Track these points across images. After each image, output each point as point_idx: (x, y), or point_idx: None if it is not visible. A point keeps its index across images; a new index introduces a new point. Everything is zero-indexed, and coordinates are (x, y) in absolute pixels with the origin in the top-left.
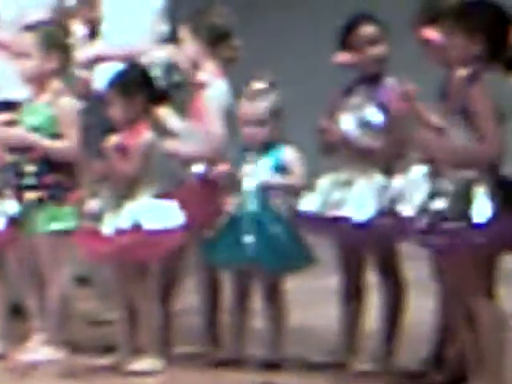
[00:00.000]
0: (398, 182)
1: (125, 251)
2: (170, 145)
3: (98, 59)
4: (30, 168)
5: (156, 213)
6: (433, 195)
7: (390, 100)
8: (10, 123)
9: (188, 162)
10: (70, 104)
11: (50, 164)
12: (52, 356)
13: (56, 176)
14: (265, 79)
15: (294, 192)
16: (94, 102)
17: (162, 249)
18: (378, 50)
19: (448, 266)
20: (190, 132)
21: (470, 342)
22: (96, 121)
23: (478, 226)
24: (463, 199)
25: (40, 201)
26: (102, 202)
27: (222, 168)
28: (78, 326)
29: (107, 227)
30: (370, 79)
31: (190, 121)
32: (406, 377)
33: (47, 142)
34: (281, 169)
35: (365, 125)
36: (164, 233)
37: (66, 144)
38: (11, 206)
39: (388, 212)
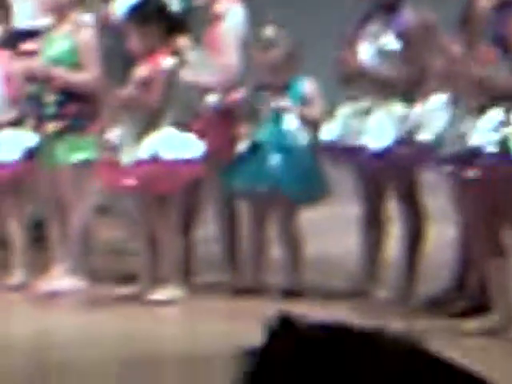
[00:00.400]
0: (417, 110)
1: (144, 182)
2: (187, 74)
3: None
4: (51, 98)
5: (175, 143)
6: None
7: (408, 28)
8: (33, 53)
9: (204, 91)
10: (89, 35)
11: (71, 94)
12: (73, 285)
13: (77, 106)
14: (274, 24)
15: (314, 123)
16: (114, 33)
17: (181, 179)
18: None
19: (479, 196)
20: (207, 62)
21: (494, 270)
22: (116, 50)
23: None
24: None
25: (61, 131)
26: (122, 133)
27: (236, 96)
28: (99, 255)
29: (127, 158)
30: (388, 7)
31: (207, 51)
32: (427, 304)
33: (68, 75)
34: (301, 100)
35: (383, 53)
36: (183, 163)
37: (87, 76)
38: (29, 138)
39: (407, 140)
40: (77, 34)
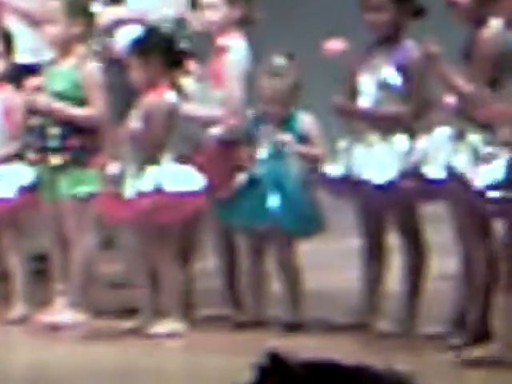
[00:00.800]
0: (421, 143)
1: (147, 214)
2: (189, 108)
3: (119, 23)
4: (55, 130)
5: (177, 176)
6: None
7: (409, 61)
8: (38, 88)
9: (206, 124)
10: (94, 69)
11: (74, 127)
12: (75, 319)
13: (80, 139)
14: (283, 52)
15: (316, 160)
16: (116, 66)
17: (183, 211)
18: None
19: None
20: (209, 95)
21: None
22: (118, 84)
23: None
24: None
25: (64, 164)
26: (124, 166)
27: (234, 122)
28: (100, 289)
29: (129, 191)
30: (389, 39)
31: (209, 83)
32: (427, 338)
33: (72, 110)
34: (300, 136)
35: (383, 86)
36: (186, 195)
37: (92, 111)
38: (26, 174)
39: (412, 174)
40: (81, 67)
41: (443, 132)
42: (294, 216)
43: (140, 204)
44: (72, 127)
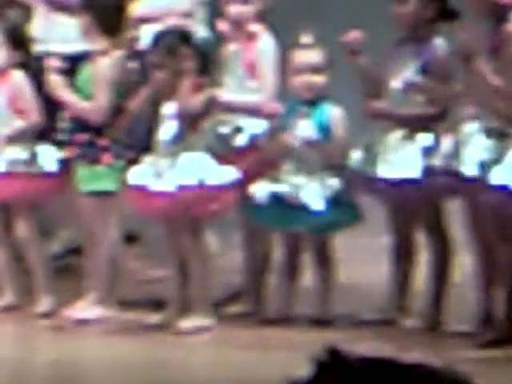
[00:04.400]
0: (448, 139)
1: (186, 207)
2: (226, 97)
3: (142, 20)
4: (64, 124)
5: (214, 168)
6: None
7: (436, 60)
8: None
9: (248, 112)
10: (106, 65)
11: (83, 122)
12: (102, 314)
13: (88, 135)
14: (309, 34)
15: (335, 154)
16: (139, 59)
17: (221, 205)
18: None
19: None
20: (243, 85)
21: None
22: (140, 75)
23: None
24: None
25: (73, 159)
26: (156, 159)
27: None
28: (126, 284)
29: (167, 183)
30: (417, 38)
31: (242, 73)
32: (453, 336)
33: (75, 102)
34: (324, 128)
35: (410, 84)
36: (223, 188)
37: (92, 105)
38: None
39: (439, 171)
40: (95, 62)
41: (472, 128)
42: (332, 209)
43: (181, 197)
44: (81, 123)
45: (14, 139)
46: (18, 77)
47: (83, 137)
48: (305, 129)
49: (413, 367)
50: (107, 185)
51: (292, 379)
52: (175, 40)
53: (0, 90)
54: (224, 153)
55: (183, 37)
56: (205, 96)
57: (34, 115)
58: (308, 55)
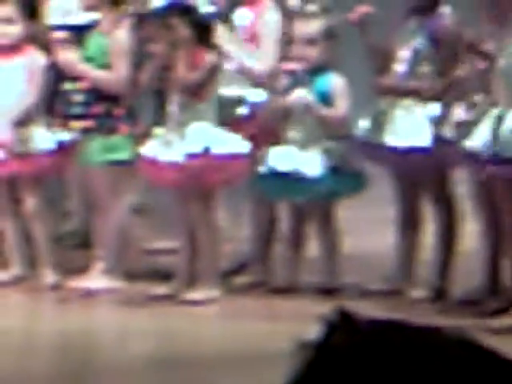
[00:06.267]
0: (457, 110)
1: (195, 176)
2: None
3: None
4: (78, 97)
5: (223, 138)
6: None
7: (442, 31)
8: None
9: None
10: (123, 36)
11: (99, 93)
12: (109, 285)
13: (105, 106)
14: (318, 2)
15: (336, 123)
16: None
17: (230, 174)
18: None
19: None
20: (245, 52)
21: None
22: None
23: None
24: None
25: (86, 131)
26: (167, 129)
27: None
28: (134, 255)
29: (176, 153)
30: (423, 9)
31: (245, 42)
32: (460, 304)
33: (94, 72)
34: (325, 96)
35: (417, 56)
36: (233, 158)
37: (113, 75)
38: (49, 138)
39: (445, 140)
40: (111, 33)
41: (481, 101)
42: (334, 177)
43: (189, 166)
44: (96, 94)
45: (23, 120)
46: (37, 56)
47: (100, 108)
48: (304, 95)
49: (423, 329)
50: (123, 154)
51: (301, 341)
52: (167, 12)
53: (17, 65)
54: (226, 121)
55: (179, 9)
56: (206, 65)
57: (38, 93)
58: (304, 26)
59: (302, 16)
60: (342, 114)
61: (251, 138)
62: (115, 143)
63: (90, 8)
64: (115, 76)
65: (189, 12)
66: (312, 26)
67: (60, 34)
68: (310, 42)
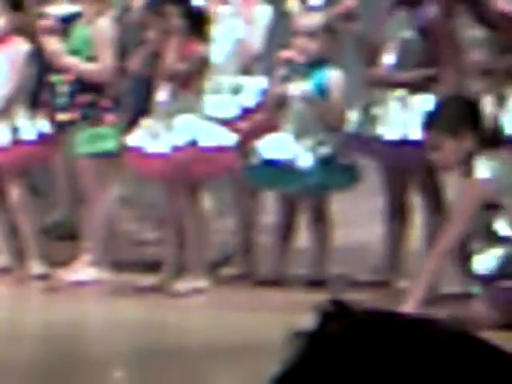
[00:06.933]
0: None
1: (181, 168)
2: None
3: None
4: (64, 88)
5: (210, 131)
6: None
7: (429, 22)
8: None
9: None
10: (105, 25)
11: (85, 84)
12: (97, 276)
13: (90, 96)
14: None
15: (332, 115)
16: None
17: (217, 166)
18: None
19: None
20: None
21: None
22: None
23: None
24: None
25: (73, 122)
26: (154, 121)
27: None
28: (121, 245)
29: (163, 145)
30: (411, 1)
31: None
32: (447, 297)
33: (79, 65)
34: (323, 90)
35: (405, 48)
36: (220, 150)
37: (99, 66)
38: (43, 125)
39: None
40: (94, 24)
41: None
42: (326, 170)
43: (175, 158)
44: (81, 85)
45: (5, 108)
46: (20, 44)
47: (85, 98)
48: (302, 87)
49: (419, 320)
50: (109, 145)
51: (295, 330)
52: (161, 0)
53: (2, 54)
54: (226, 116)
55: None
56: (196, 56)
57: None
58: (304, 19)
59: (303, 9)
60: (340, 107)
61: (252, 128)
62: (101, 134)
63: (74, 0)
64: (99, 66)
65: (183, 1)
66: (313, 19)
67: (47, 23)
68: (311, 34)
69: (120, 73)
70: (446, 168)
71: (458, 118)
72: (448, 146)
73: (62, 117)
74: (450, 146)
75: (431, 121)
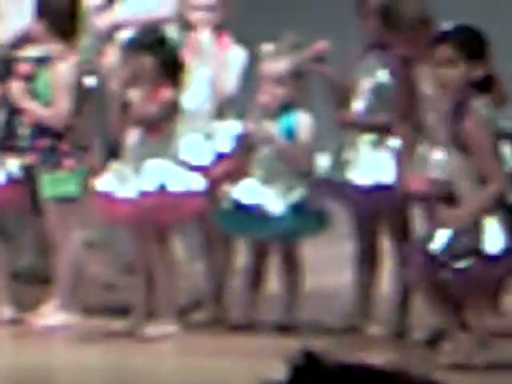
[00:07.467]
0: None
1: (149, 213)
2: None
3: (117, 26)
4: (25, 131)
5: (179, 175)
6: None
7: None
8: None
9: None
10: (65, 70)
11: (44, 128)
12: (66, 321)
13: (50, 140)
14: (290, 39)
15: (301, 159)
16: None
17: (185, 212)
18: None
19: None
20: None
21: None
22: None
23: (492, 258)
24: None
25: (34, 165)
26: (122, 165)
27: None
28: (90, 290)
29: (131, 189)
30: (382, 44)
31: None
32: (417, 343)
33: (37, 109)
34: (291, 134)
35: (378, 91)
36: (188, 195)
37: (53, 111)
38: (13, 167)
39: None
40: (55, 67)
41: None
42: (296, 216)
43: (143, 203)
44: (41, 128)
45: None
46: None
47: (44, 142)
48: (268, 129)
49: (389, 374)
50: (69, 190)
51: (265, 380)
52: (137, 42)
53: None
54: (198, 160)
55: (149, 40)
56: (165, 101)
57: None
58: (271, 66)
59: (270, 55)
60: (310, 151)
61: (223, 173)
62: (61, 178)
63: (43, 42)
64: (54, 111)
65: (159, 44)
66: (280, 65)
67: (25, 67)
68: (278, 80)
69: (78, 117)
70: None
71: None
72: None
73: (23, 160)
74: None
75: None
